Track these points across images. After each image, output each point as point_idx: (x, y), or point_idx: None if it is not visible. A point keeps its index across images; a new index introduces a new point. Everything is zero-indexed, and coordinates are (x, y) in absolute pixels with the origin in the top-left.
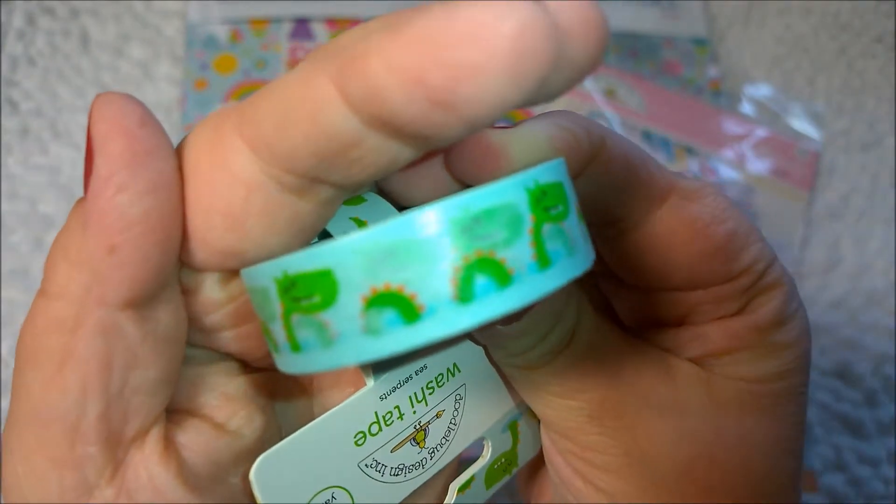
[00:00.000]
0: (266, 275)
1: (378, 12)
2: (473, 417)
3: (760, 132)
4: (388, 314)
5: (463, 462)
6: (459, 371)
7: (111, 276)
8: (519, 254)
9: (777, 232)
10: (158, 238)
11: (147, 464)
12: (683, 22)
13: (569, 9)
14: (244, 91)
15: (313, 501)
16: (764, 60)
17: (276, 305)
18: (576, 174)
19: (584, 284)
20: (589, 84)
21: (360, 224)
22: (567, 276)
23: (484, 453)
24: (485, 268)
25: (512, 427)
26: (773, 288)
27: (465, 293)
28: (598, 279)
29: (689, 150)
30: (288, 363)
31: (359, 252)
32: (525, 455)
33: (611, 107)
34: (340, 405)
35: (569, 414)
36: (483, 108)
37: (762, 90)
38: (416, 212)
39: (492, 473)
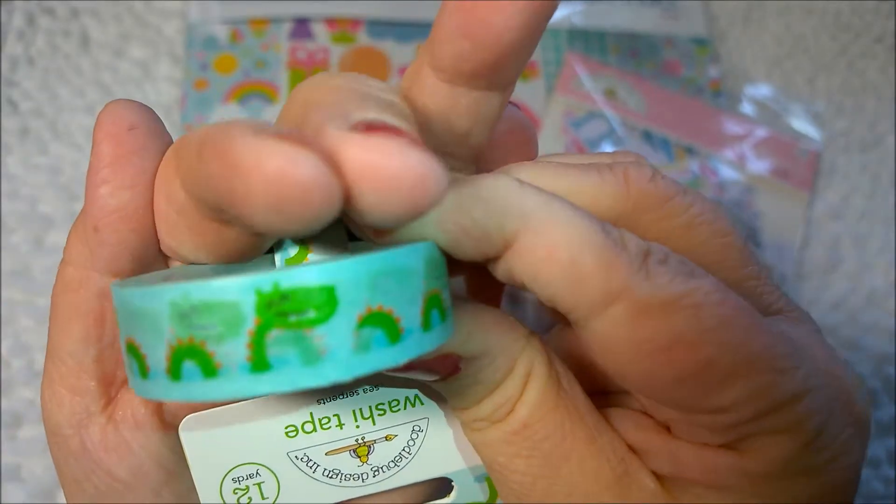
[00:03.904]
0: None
1: (378, 12)
2: (434, 455)
3: (760, 132)
4: (133, 365)
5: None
6: (422, 404)
7: (98, 251)
8: (230, 351)
9: (777, 232)
10: (134, 226)
11: (132, 401)
12: (683, 22)
13: (359, 158)
14: (244, 91)
15: (237, 468)
16: (764, 60)
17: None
18: (479, 259)
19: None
20: (589, 84)
21: (303, 245)
22: (290, 385)
23: (450, 495)
24: (192, 355)
25: (490, 481)
26: (782, 433)
27: (175, 371)
28: None
29: (689, 150)
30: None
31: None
32: None
33: (611, 107)
34: (274, 395)
35: (499, 485)
36: (265, 229)
37: (762, 90)
38: (157, 288)
39: None
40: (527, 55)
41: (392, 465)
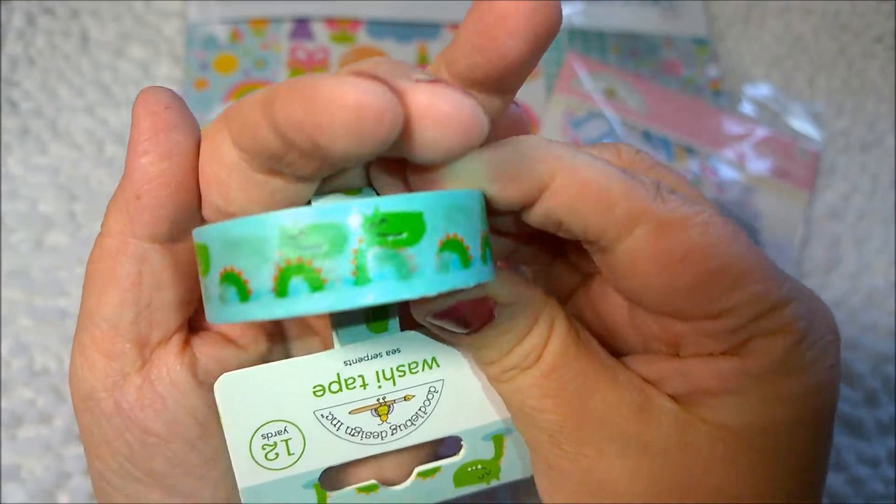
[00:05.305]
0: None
1: (377, 12)
2: (447, 414)
3: (760, 132)
4: (230, 291)
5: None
6: (438, 366)
7: (139, 217)
8: (336, 267)
9: (777, 232)
10: (172, 192)
11: (167, 360)
12: (683, 22)
13: (424, 100)
14: (244, 91)
15: (266, 426)
16: (764, 60)
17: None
18: (521, 204)
19: (578, 299)
20: (588, 84)
21: None
22: (389, 296)
23: (459, 453)
24: (300, 272)
25: (496, 439)
26: (776, 333)
27: (281, 289)
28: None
29: (689, 150)
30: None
31: (220, 235)
32: (510, 472)
33: (611, 107)
34: (304, 357)
35: (531, 430)
36: (341, 154)
37: (762, 90)
38: (265, 215)
39: (463, 474)
40: (529, 69)
41: (409, 423)
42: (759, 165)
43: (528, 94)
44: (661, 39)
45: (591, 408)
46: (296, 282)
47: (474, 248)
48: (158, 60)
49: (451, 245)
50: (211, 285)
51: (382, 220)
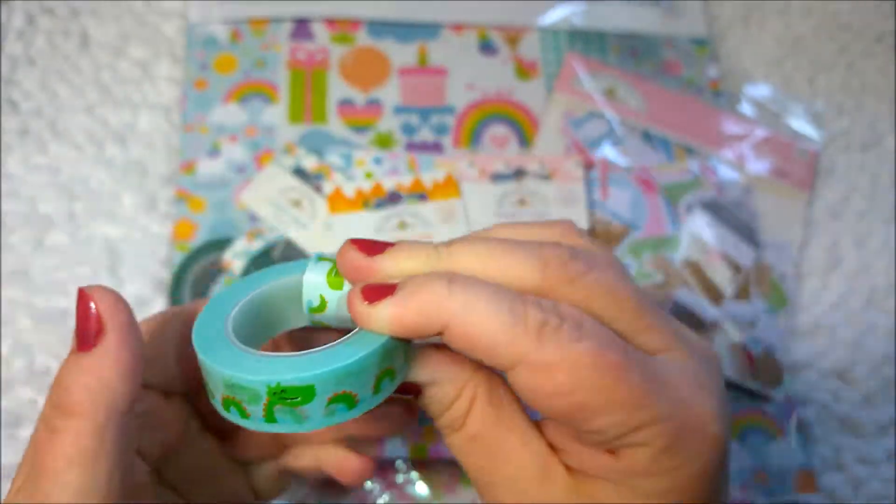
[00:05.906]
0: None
1: (378, 12)
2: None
3: (760, 132)
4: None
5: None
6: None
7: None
8: (254, 410)
9: (777, 232)
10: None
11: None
12: (683, 22)
13: None
14: (244, 91)
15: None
16: (764, 60)
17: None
18: (425, 337)
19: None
20: (588, 84)
21: (322, 301)
22: (288, 431)
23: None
24: (235, 405)
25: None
26: (638, 446)
27: (225, 408)
28: None
29: (689, 150)
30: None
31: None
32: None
33: (611, 107)
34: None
35: (468, 475)
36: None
37: (762, 90)
38: (216, 368)
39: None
40: None
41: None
42: (758, 166)
43: (528, 94)
44: (661, 39)
45: (502, 468)
46: (232, 408)
47: (364, 391)
48: (158, 60)
49: (339, 398)
50: (215, 404)
51: (283, 391)
